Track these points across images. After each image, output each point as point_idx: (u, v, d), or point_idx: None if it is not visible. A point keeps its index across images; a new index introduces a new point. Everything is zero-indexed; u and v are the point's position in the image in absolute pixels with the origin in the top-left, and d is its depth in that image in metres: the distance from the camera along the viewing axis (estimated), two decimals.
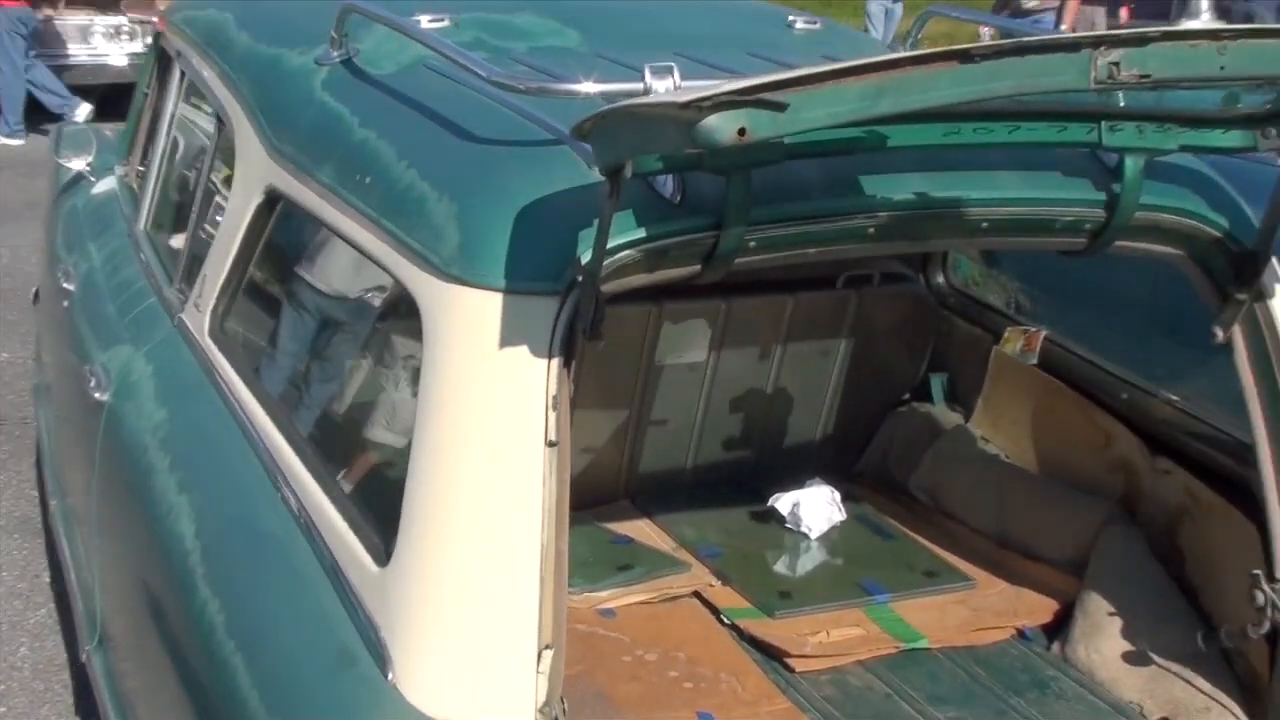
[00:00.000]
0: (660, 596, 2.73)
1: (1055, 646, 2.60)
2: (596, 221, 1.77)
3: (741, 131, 1.32)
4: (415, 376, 2.03)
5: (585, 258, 1.78)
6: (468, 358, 1.80)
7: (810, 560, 2.90)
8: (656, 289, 2.89)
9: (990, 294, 3.27)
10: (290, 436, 2.24)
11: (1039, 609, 2.69)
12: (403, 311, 2.34)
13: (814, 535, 2.96)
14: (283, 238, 2.70)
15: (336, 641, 1.85)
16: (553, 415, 1.77)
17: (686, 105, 1.31)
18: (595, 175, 1.85)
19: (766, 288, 2.97)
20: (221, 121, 2.91)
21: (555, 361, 1.78)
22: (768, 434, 3.18)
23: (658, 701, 2.35)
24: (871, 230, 1.97)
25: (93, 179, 4.25)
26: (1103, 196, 2.06)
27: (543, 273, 1.80)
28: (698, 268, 1.91)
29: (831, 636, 2.58)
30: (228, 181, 2.97)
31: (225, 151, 2.98)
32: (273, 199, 2.55)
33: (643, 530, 2.97)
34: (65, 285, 3.55)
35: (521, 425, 1.77)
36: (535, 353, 1.78)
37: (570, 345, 1.80)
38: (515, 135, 2.03)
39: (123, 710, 2.64)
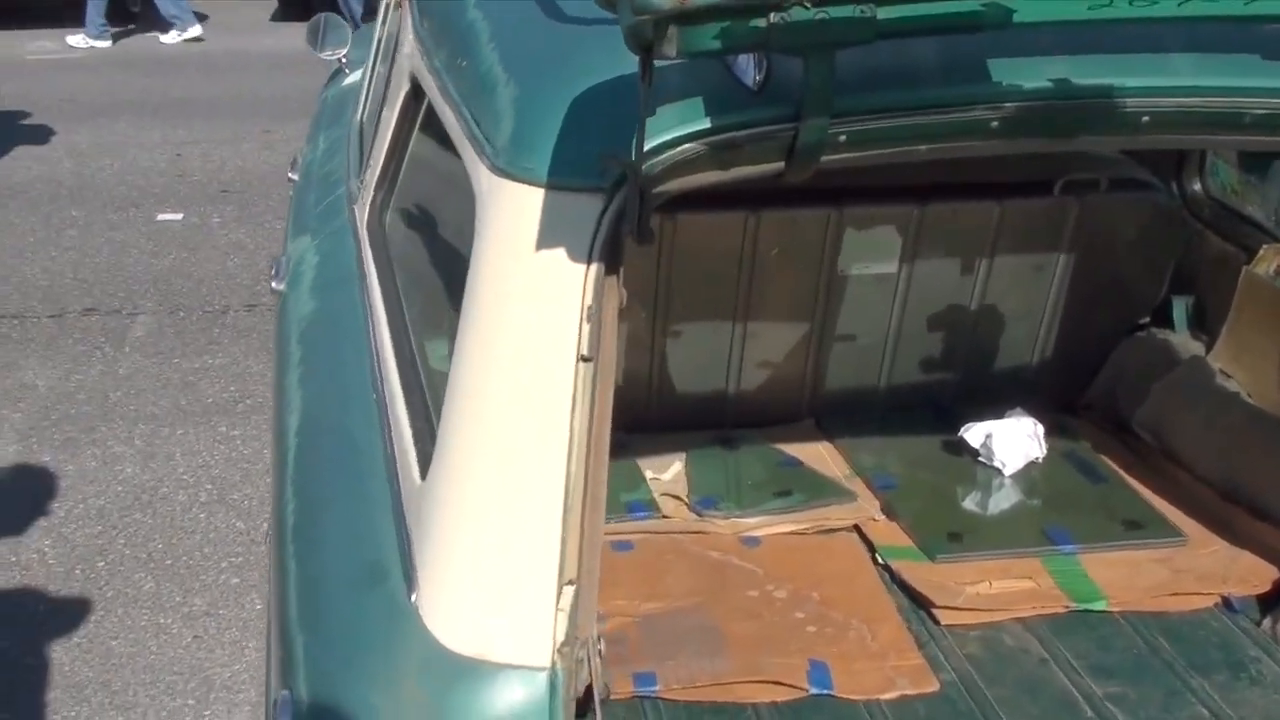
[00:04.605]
0: (814, 528, 2.50)
1: (1266, 622, 2.22)
2: (661, 111, 1.57)
3: None
4: None
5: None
6: (502, 259, 1.64)
7: (995, 500, 2.59)
8: (837, 190, 2.63)
9: (1250, 204, 2.80)
10: (395, 337, 2.15)
11: (1255, 576, 2.30)
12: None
13: (1007, 471, 2.64)
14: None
15: (375, 556, 1.75)
16: (588, 327, 1.58)
17: None
18: (671, 61, 1.64)
19: (967, 193, 2.64)
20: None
21: (594, 267, 1.58)
22: (973, 356, 2.86)
23: (770, 644, 2.14)
24: (995, 124, 1.66)
25: (347, 71, 4.32)
26: None
27: (586, 167, 1.60)
28: (780, 165, 1.66)
29: (993, 588, 2.29)
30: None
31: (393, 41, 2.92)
32: (416, 88, 2.45)
33: (817, 453, 2.74)
34: (290, 176, 3.61)
35: (552, 336, 1.59)
36: (572, 256, 1.59)
37: (615, 250, 1.60)
38: (600, 14, 1.83)
39: None
